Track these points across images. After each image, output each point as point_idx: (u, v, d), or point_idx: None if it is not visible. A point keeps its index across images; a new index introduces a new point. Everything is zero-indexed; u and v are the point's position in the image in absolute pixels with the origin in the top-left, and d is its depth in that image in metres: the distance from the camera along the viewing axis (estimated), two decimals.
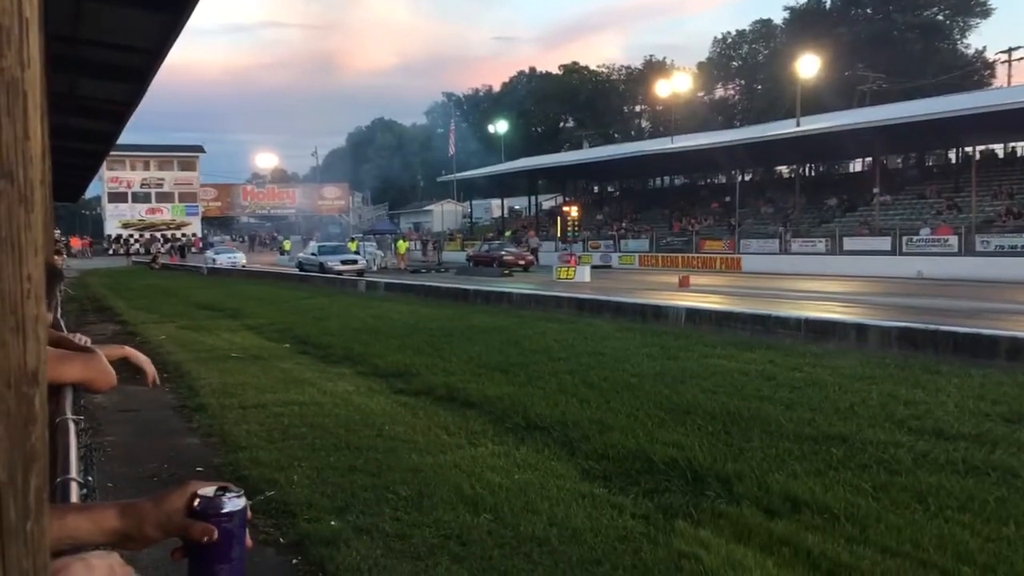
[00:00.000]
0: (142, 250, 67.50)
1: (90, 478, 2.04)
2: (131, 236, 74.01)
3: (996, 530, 4.34)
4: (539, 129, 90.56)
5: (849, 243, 33.97)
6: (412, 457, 6.00)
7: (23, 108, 0.62)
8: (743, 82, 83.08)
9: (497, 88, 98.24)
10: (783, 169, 52.97)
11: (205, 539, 1.05)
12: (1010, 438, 5.95)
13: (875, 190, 36.36)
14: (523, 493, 5.14)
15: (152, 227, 75.74)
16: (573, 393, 7.94)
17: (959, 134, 35.65)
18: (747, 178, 51.30)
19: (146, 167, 76.46)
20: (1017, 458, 5.50)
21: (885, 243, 32.41)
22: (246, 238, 77.91)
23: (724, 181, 53.13)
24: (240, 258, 48.96)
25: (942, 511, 4.63)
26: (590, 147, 69.52)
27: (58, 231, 45.71)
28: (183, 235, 74.18)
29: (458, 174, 62.07)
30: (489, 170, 61.02)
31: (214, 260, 46.82)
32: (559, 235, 41.15)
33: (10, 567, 0.60)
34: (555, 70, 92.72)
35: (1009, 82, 53.48)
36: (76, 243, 70.92)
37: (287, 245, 54.89)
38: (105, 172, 67.52)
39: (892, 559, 4.05)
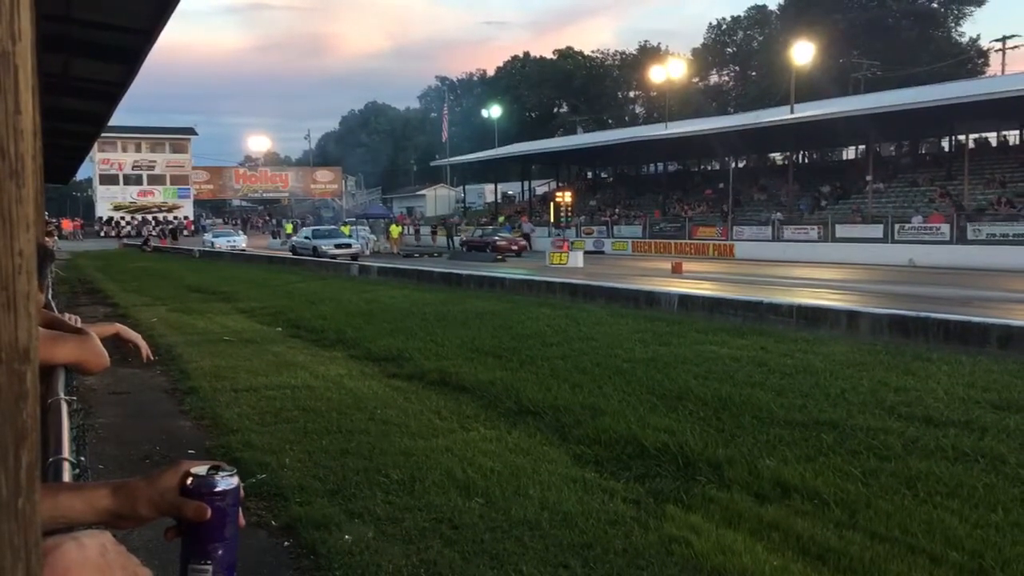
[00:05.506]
0: (133, 232, 67.12)
1: (82, 458, 2.04)
2: (122, 218, 73.67)
3: (984, 516, 4.38)
4: (533, 114, 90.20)
5: (841, 230, 34.00)
6: (404, 441, 6.01)
7: (14, 82, 0.61)
8: (737, 68, 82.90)
9: (491, 72, 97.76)
10: (777, 156, 52.95)
11: (198, 518, 1.05)
12: (999, 425, 5.99)
13: (868, 177, 36.39)
14: (515, 477, 5.15)
15: (143, 209, 75.43)
16: (565, 378, 7.95)
17: (952, 122, 35.66)
18: (740, 165, 51.28)
19: (138, 149, 76.13)
20: (1006, 445, 5.54)
21: (877, 231, 32.47)
22: (239, 221, 77.45)
23: (718, 168, 53.09)
24: (240, 241, 46.43)
25: (931, 497, 4.67)
26: (584, 132, 69.35)
27: (47, 213, 45.23)
28: (175, 218, 73.84)
29: (451, 159, 61.83)
30: (482, 155, 60.77)
31: (212, 243, 44.69)
32: (552, 220, 41.09)
33: (2, 543, 0.60)
34: (549, 55, 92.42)
35: (1003, 70, 53.64)
36: (67, 225, 70.56)
37: (289, 228, 54.20)
38: (96, 154, 67.19)
39: (881, 544, 4.08)
